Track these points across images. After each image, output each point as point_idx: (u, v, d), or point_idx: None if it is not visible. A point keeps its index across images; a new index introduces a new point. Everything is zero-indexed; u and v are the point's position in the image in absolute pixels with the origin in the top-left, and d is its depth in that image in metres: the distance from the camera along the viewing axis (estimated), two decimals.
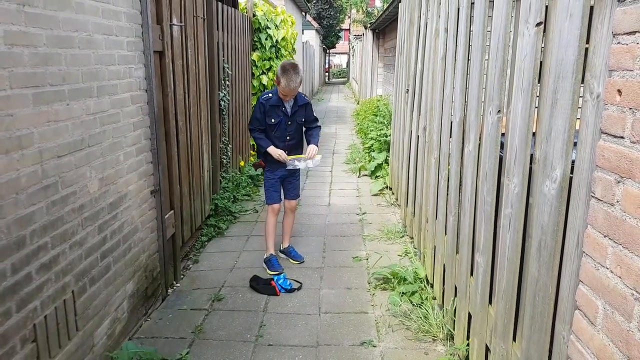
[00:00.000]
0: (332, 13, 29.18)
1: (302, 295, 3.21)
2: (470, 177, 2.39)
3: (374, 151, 6.70)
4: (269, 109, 3.38)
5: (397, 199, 5.07)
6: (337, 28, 31.40)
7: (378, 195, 5.54)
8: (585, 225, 1.28)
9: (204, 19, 4.14)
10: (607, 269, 1.16)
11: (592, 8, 1.33)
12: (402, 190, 4.59)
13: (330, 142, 9.31)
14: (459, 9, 2.73)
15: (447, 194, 2.86)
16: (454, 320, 2.57)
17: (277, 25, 6.69)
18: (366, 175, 6.45)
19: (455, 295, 2.58)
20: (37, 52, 1.79)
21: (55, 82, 1.91)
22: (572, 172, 1.42)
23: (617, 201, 1.13)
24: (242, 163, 5.76)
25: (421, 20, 3.90)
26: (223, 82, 4.90)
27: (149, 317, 2.90)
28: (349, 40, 31.20)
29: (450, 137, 2.83)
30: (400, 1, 5.16)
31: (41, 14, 1.81)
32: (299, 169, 3.54)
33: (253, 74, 6.32)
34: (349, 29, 34.18)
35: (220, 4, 4.81)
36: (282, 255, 3.80)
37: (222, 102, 4.86)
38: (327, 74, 38.01)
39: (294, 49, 7.69)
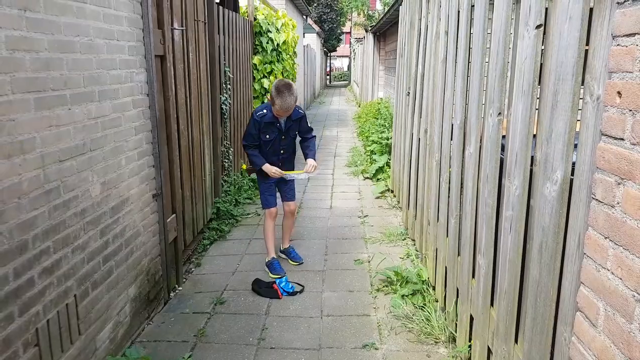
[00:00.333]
0: (333, 16, 29.24)
1: (304, 298, 3.21)
2: (471, 180, 2.38)
3: (375, 154, 6.71)
4: (263, 125, 3.36)
5: (398, 202, 5.07)
6: (338, 31, 31.46)
7: (380, 198, 5.54)
8: (586, 227, 1.28)
9: (205, 23, 4.15)
10: (608, 270, 1.16)
11: (591, 10, 1.33)
12: (403, 193, 4.59)
13: (331, 145, 9.32)
14: (459, 11, 2.73)
15: (449, 197, 2.86)
16: (456, 323, 2.57)
17: (278, 29, 6.71)
18: (368, 178, 6.45)
19: (457, 298, 2.58)
20: (38, 57, 1.80)
21: (57, 86, 1.92)
22: (572, 174, 1.42)
23: (618, 203, 1.13)
24: (244, 166, 5.77)
25: (422, 23, 3.91)
26: (224, 85, 4.91)
27: (151, 320, 2.90)
28: (350, 44, 31.25)
29: (451, 139, 2.83)
30: (400, 4, 5.18)
31: (42, 19, 1.82)
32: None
33: (254, 78, 6.34)
34: (350, 32, 34.25)
35: (221, 7, 4.83)
36: (282, 256, 3.80)
37: (223, 106, 4.87)
38: (328, 77, 38.07)
39: (295, 53, 7.72)
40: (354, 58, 25.39)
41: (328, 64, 38.81)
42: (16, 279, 1.70)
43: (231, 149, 5.21)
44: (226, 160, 5.08)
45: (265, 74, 6.47)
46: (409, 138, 4.41)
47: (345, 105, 18.47)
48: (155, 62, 2.87)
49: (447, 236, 2.87)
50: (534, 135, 1.71)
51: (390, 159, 5.98)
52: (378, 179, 6.14)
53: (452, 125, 2.81)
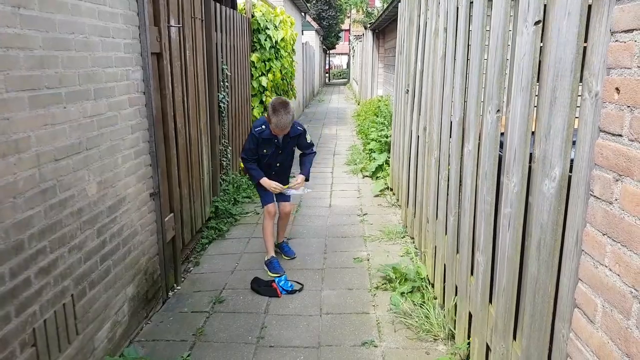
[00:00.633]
0: (331, 13, 29.18)
1: (304, 296, 3.21)
2: (470, 177, 2.38)
3: (374, 152, 6.70)
4: (262, 141, 3.41)
5: (397, 200, 5.06)
6: (337, 28, 31.39)
7: (379, 196, 5.53)
8: (584, 224, 1.27)
9: (202, 20, 4.14)
10: (606, 267, 1.16)
11: (590, 6, 1.32)
12: (402, 191, 4.58)
13: (331, 143, 9.31)
14: (458, 8, 2.72)
15: (447, 194, 2.85)
16: (455, 320, 2.57)
17: (276, 26, 6.69)
18: (367, 176, 6.45)
19: (456, 295, 2.58)
20: (33, 54, 1.79)
21: (52, 84, 1.90)
22: (571, 171, 1.41)
23: (616, 199, 1.12)
24: (242, 165, 5.76)
25: (420, 20, 3.89)
26: (222, 83, 4.90)
27: (149, 320, 2.89)
28: (349, 41, 31.20)
29: (450, 136, 2.82)
30: (399, 1, 5.16)
31: (37, 17, 1.81)
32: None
33: (252, 75, 6.32)
34: (349, 30, 34.20)
35: (218, 4, 4.81)
36: (276, 250, 3.80)
37: (221, 104, 4.86)
38: (327, 74, 38.02)
39: (293, 50, 7.69)
40: (353, 56, 25.36)
41: (327, 62, 38.75)
42: (12, 279, 1.69)
43: (229, 148, 5.19)
44: (224, 159, 5.07)
45: (264, 72, 6.45)
46: (408, 136, 4.41)
47: (345, 103, 18.45)
48: (151, 59, 2.85)
49: (445, 234, 2.87)
50: (533, 132, 1.70)
51: (389, 157, 5.97)
52: (377, 177, 6.14)
53: (451, 122, 2.80)
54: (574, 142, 1.42)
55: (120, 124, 2.49)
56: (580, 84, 1.37)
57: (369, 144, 7.16)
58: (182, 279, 3.45)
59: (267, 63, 6.49)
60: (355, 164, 7.04)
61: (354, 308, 3.04)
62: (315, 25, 22.26)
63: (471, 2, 2.42)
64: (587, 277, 1.25)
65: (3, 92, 1.64)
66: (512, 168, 1.82)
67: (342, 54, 47.49)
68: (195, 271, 3.60)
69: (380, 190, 5.61)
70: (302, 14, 15.98)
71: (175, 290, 3.28)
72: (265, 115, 3.31)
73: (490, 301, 2.10)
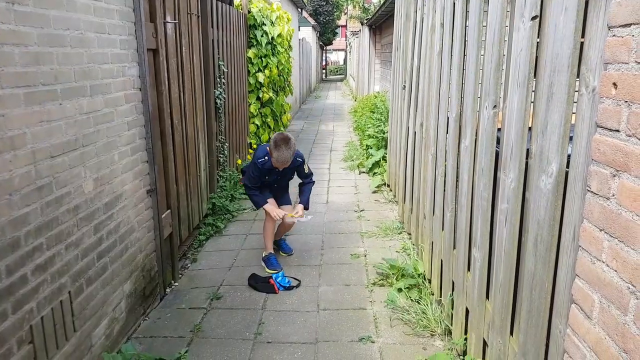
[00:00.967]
0: (328, 9, 29.08)
1: (301, 292, 3.21)
2: (466, 173, 2.38)
3: (371, 148, 6.69)
4: (264, 171, 3.47)
5: (394, 196, 5.07)
6: (334, 25, 31.28)
7: (376, 192, 5.54)
8: (581, 219, 1.27)
9: (198, 16, 4.11)
10: (603, 262, 1.16)
11: (587, 1, 1.32)
12: (399, 187, 4.58)
13: (327, 139, 9.30)
14: (454, 3, 2.72)
15: (444, 190, 2.85)
16: (452, 315, 2.58)
17: (272, 22, 6.66)
18: (364, 172, 6.45)
19: (453, 291, 2.59)
20: (28, 51, 1.77)
21: (48, 81, 1.89)
22: (568, 167, 1.41)
23: (613, 195, 1.12)
24: (239, 161, 5.75)
25: (417, 15, 3.88)
26: (218, 80, 4.88)
27: (147, 316, 2.89)
28: (346, 37, 31.12)
29: (447, 132, 2.82)
30: None
31: (31, 12, 1.79)
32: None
33: (249, 72, 6.30)
34: (345, 26, 34.11)
35: (214, 0, 4.78)
36: (273, 246, 3.80)
37: (217, 101, 4.84)
38: (324, 71, 37.93)
39: (290, 46, 7.67)
40: (349, 52, 25.31)
41: (324, 58, 38.65)
42: (9, 276, 1.69)
43: (226, 144, 5.18)
44: (221, 156, 5.05)
45: (260, 68, 6.43)
46: (405, 132, 4.40)
47: (342, 99, 18.42)
48: (147, 56, 2.84)
49: (442, 229, 2.88)
50: (530, 128, 1.70)
51: (386, 153, 5.97)
52: (374, 173, 6.14)
53: (448, 118, 2.80)
54: (571, 138, 1.42)
55: (117, 121, 2.48)
56: (578, 79, 1.37)
57: (365, 140, 7.15)
58: (180, 276, 3.44)
59: (263, 59, 6.47)
60: (352, 160, 7.04)
61: (351, 304, 3.04)
62: (312, 21, 22.20)
63: None
64: (584, 273, 1.25)
65: None
66: (509, 164, 1.83)
67: (338, 50, 47.39)
68: (193, 268, 3.60)
69: (377, 187, 5.61)
70: (299, 10, 15.92)
71: (172, 287, 3.28)
72: (268, 148, 3.40)
73: (487, 297, 2.10)
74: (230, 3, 5.84)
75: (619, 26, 1.10)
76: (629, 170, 1.07)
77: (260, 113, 6.67)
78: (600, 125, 1.18)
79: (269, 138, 6.81)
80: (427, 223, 3.27)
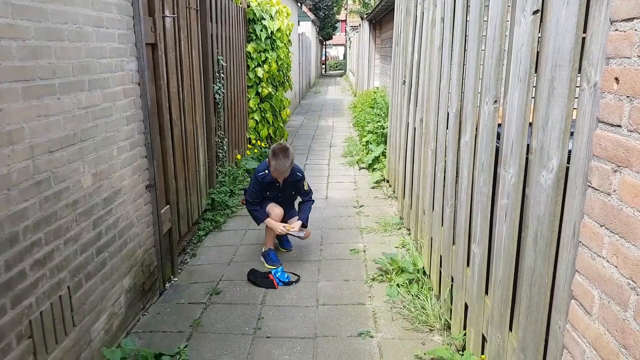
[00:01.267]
0: (328, 4, 28.95)
1: (300, 287, 3.21)
2: (466, 168, 2.37)
3: (371, 144, 6.68)
4: (265, 185, 3.48)
5: (394, 191, 5.06)
6: (334, 19, 31.18)
7: (375, 188, 5.53)
8: (582, 215, 1.27)
9: (197, 11, 4.09)
10: (604, 258, 1.16)
11: None
12: (399, 183, 4.58)
13: (327, 135, 9.29)
14: None
15: (444, 185, 2.85)
16: (451, 311, 2.58)
17: (272, 16, 6.63)
18: (363, 168, 6.44)
19: (452, 286, 2.59)
20: (25, 45, 1.76)
21: (45, 75, 1.88)
22: (568, 162, 1.41)
23: (614, 190, 1.12)
24: (238, 157, 5.74)
25: (417, 10, 3.86)
26: (217, 74, 4.86)
27: (146, 311, 2.89)
28: (346, 32, 31.01)
29: (447, 128, 2.81)
30: None
31: (29, 6, 1.78)
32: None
33: (248, 66, 6.27)
34: (345, 20, 33.98)
35: None
36: (274, 241, 3.80)
37: (217, 95, 4.82)
38: (323, 66, 37.81)
39: (289, 41, 7.63)
40: (349, 47, 25.22)
41: (323, 53, 38.52)
42: (7, 271, 1.68)
43: (225, 139, 5.16)
44: (220, 151, 5.04)
45: (260, 63, 6.40)
46: (404, 127, 4.39)
47: (341, 94, 18.38)
48: (146, 50, 2.82)
49: (442, 225, 2.87)
50: (530, 123, 1.69)
51: (386, 149, 5.96)
52: (374, 169, 6.13)
53: (448, 113, 2.79)
54: (571, 133, 1.41)
55: (115, 115, 2.47)
56: (579, 74, 1.36)
57: (365, 135, 7.14)
58: (179, 271, 3.44)
59: (263, 54, 6.44)
60: (352, 155, 7.03)
61: (350, 299, 3.05)
62: (312, 16, 22.10)
63: None
64: (584, 269, 1.25)
65: None
66: (509, 159, 1.82)
67: (338, 45, 47.22)
68: (192, 263, 3.60)
69: (377, 182, 5.61)
70: (299, 4, 15.85)
71: (172, 282, 3.28)
72: (267, 161, 3.41)
73: (487, 292, 2.11)
74: None
75: (622, 20, 1.09)
76: (631, 165, 1.06)
77: (260, 108, 6.65)
78: (601, 121, 1.17)
79: (268, 133, 6.82)
80: (427, 218, 3.27)
